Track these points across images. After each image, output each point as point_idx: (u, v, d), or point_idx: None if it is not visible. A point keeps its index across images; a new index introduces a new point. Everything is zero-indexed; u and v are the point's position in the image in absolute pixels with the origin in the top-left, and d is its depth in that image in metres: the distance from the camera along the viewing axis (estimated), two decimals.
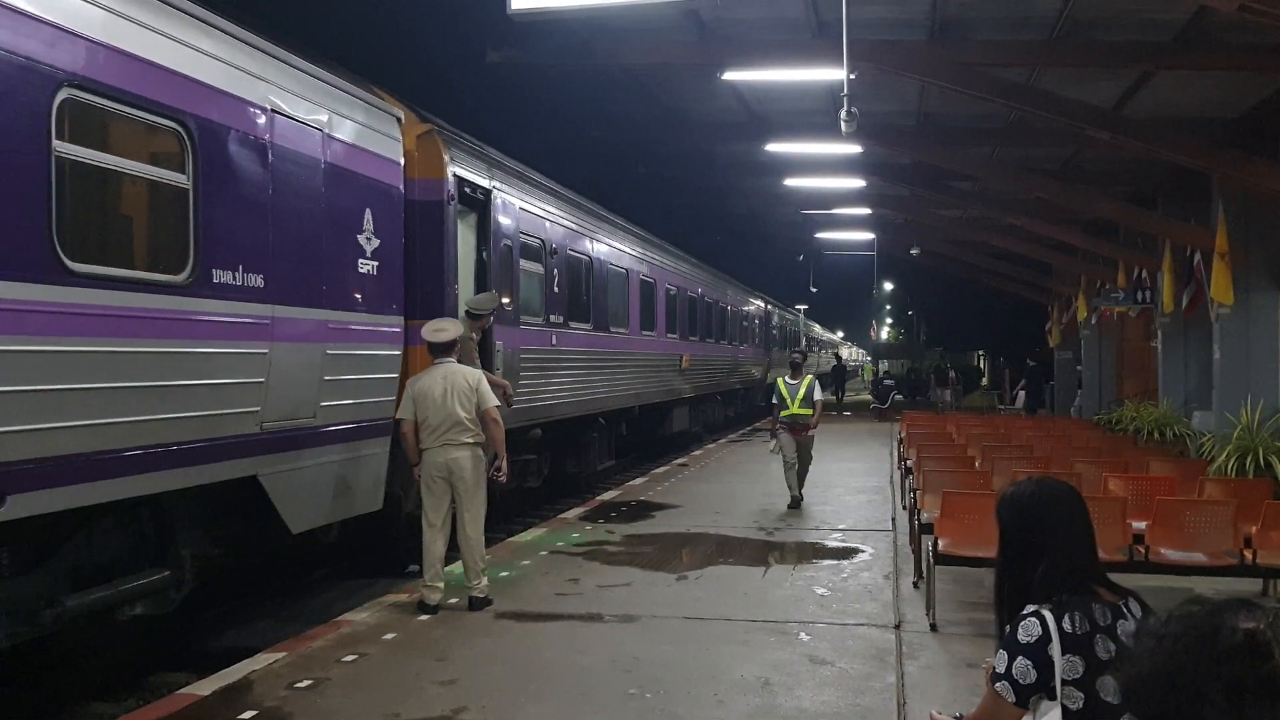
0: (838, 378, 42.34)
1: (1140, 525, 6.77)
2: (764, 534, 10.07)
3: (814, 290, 48.59)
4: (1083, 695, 2.41)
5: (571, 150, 25.72)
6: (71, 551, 5.59)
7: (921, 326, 68.17)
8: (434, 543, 7.11)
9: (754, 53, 11.40)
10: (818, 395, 12.06)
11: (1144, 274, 17.52)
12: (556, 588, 7.77)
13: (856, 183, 18.40)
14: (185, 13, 5.98)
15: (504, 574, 8.12)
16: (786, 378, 12.16)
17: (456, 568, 7.50)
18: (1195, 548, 6.68)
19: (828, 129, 13.20)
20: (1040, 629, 2.44)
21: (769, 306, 34.50)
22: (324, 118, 7.30)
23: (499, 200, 10.43)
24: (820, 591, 7.68)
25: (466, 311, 8.94)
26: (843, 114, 9.41)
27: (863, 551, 9.21)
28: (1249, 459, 10.41)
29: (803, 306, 51.29)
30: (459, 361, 7.94)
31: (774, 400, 12.15)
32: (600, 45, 11.07)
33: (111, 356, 5.30)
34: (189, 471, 5.92)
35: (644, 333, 17.33)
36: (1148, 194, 17.27)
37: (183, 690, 5.59)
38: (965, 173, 16.91)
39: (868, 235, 28.67)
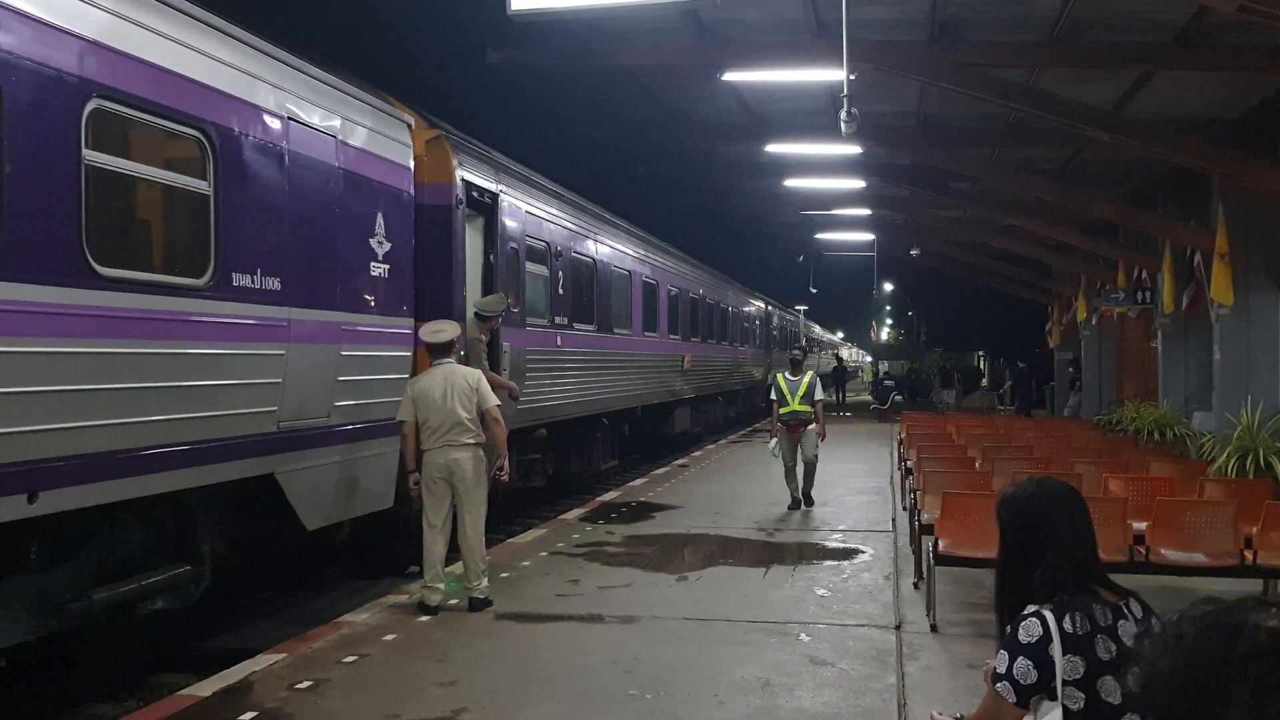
0: (839, 378, 42.34)
1: (1140, 526, 6.77)
2: (764, 535, 10.07)
3: (814, 291, 48.54)
4: (1083, 695, 2.41)
5: (571, 151, 25.69)
6: (97, 547, 5.74)
7: (921, 327, 68.15)
8: (434, 544, 7.11)
9: (754, 53, 11.40)
10: (819, 394, 11.77)
11: (1144, 274, 17.52)
12: (557, 589, 7.76)
13: (856, 183, 18.40)
14: (205, 23, 6.16)
15: (504, 575, 8.12)
16: (786, 374, 11.88)
17: (457, 568, 7.50)
18: (1195, 548, 6.68)
19: (827, 130, 13.20)
20: (1041, 629, 2.44)
21: (769, 307, 34.56)
22: (337, 124, 7.49)
23: (505, 204, 10.58)
24: (820, 592, 7.68)
25: (475, 313, 9.08)
26: (842, 115, 9.41)
27: (863, 552, 9.21)
28: (1249, 459, 10.40)
29: (802, 307, 51.30)
30: (469, 363, 8.07)
31: (773, 397, 11.85)
32: (600, 46, 11.07)
33: (137, 358, 5.49)
34: (210, 469, 6.12)
35: (646, 334, 17.46)
36: (1147, 194, 17.26)
37: (183, 691, 5.59)
38: (965, 173, 16.92)
39: (867, 236, 28.66)
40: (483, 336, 9.15)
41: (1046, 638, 2.43)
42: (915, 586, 7.73)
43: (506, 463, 7.59)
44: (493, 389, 9.64)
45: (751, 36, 11.15)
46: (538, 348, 11.65)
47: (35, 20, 4.87)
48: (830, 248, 34.25)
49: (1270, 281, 12.70)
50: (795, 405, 11.55)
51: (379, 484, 7.86)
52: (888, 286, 61.98)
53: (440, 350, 7.27)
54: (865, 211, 22.60)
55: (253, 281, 6.44)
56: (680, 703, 5.22)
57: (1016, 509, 2.67)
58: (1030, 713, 2.47)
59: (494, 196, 10.28)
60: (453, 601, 7.21)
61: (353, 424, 7.57)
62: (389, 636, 6.48)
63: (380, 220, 8.02)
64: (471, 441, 7.13)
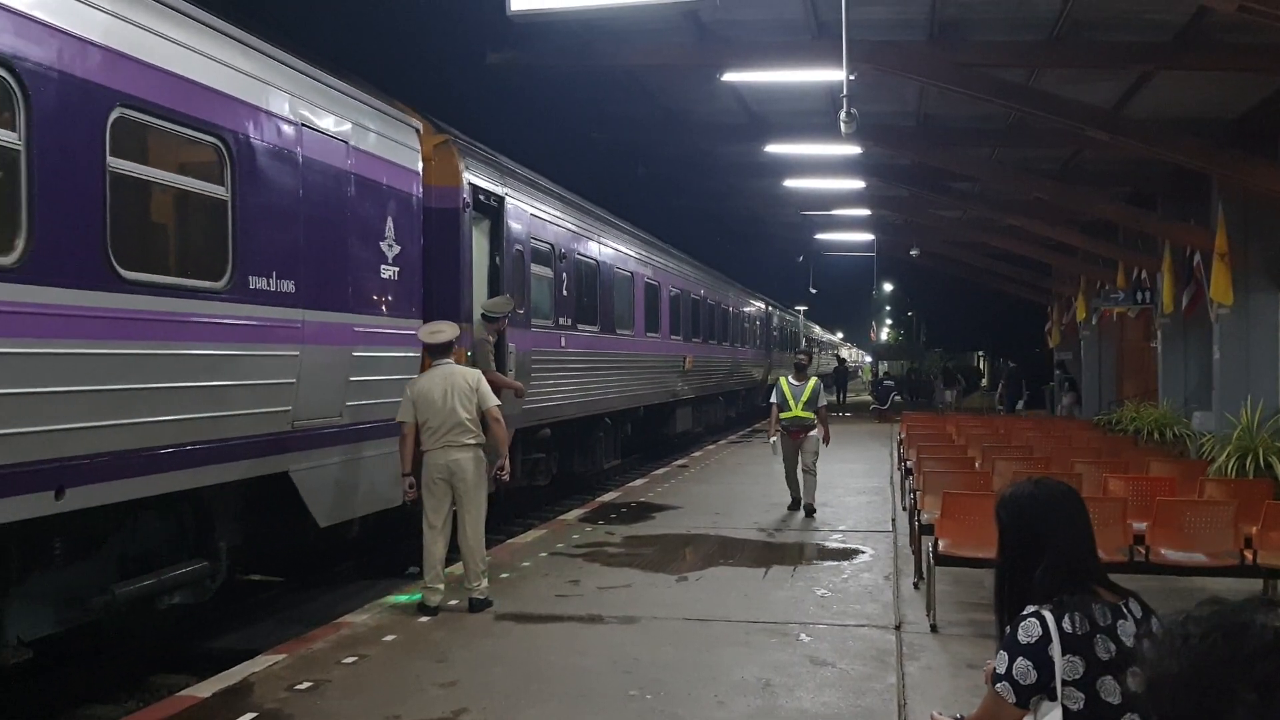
0: (840, 378, 42.31)
1: (1140, 526, 6.77)
2: (764, 535, 10.07)
3: (814, 291, 48.52)
4: (1083, 696, 2.40)
5: (571, 151, 25.69)
6: (118, 542, 5.88)
7: (921, 327, 68.15)
8: (434, 544, 7.11)
9: (754, 54, 11.41)
10: (823, 400, 11.45)
11: (1144, 274, 17.52)
12: (557, 589, 7.76)
13: (856, 184, 18.41)
14: (222, 32, 6.34)
15: (504, 575, 8.11)
16: (790, 378, 11.57)
17: (456, 569, 7.50)
18: (1195, 548, 6.68)
19: (827, 130, 13.20)
20: (1040, 629, 2.44)
21: (769, 308, 34.59)
22: (349, 130, 7.68)
23: (511, 206, 10.73)
24: (821, 592, 7.68)
25: (482, 314, 9.23)
26: (842, 115, 9.42)
27: (863, 552, 9.21)
28: (1249, 459, 10.40)
29: (802, 307, 51.29)
30: (477, 364, 8.24)
31: (773, 400, 11.49)
32: (600, 46, 11.07)
33: (159, 359, 5.67)
34: (228, 467, 6.31)
35: (648, 334, 17.59)
36: (1147, 194, 17.27)
37: (183, 692, 5.59)
38: (965, 173, 16.93)
39: (867, 236, 28.66)
40: (489, 337, 9.27)
41: (1046, 638, 2.43)
42: (915, 587, 7.73)
43: (507, 463, 7.59)
44: (499, 389, 9.77)
45: (751, 37, 11.15)
46: (542, 348, 11.77)
47: (64, 32, 5.05)
48: (830, 248, 34.26)
49: (1270, 281, 12.70)
50: (798, 411, 11.21)
51: (388, 483, 7.94)
52: (887, 287, 61.98)
53: (439, 351, 7.27)
54: (865, 212, 22.61)
55: (268, 284, 6.63)
56: (680, 703, 5.22)
57: (1015, 509, 2.67)
58: (1030, 713, 2.47)
59: (500, 199, 10.42)
60: (453, 602, 7.21)
61: (363, 423, 7.71)
62: (389, 637, 6.48)
63: (390, 223, 8.21)
64: (472, 442, 7.13)
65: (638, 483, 14.48)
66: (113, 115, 5.36)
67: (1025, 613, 2.49)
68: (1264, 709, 1.27)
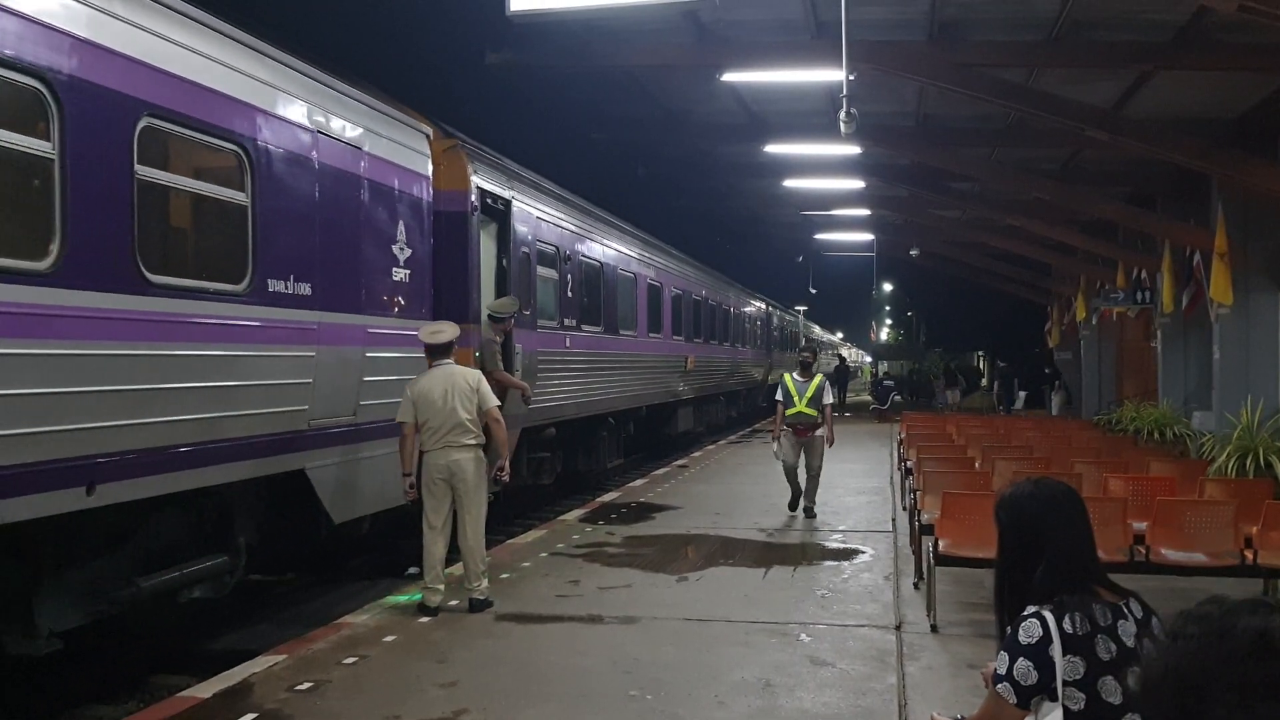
0: (841, 378, 42.32)
1: (1141, 526, 6.76)
2: (764, 535, 10.07)
3: (813, 291, 48.52)
4: (1084, 696, 2.40)
5: (571, 152, 25.71)
6: (143, 537, 6.04)
7: (921, 327, 68.16)
8: (434, 544, 7.11)
9: (753, 54, 11.40)
10: (828, 398, 11.13)
11: (1143, 274, 17.53)
12: (557, 589, 7.76)
13: (856, 184, 18.41)
14: (241, 42, 6.56)
15: (504, 576, 8.11)
16: (795, 374, 11.26)
17: (456, 569, 7.50)
18: (1196, 548, 6.67)
19: (827, 130, 13.21)
20: (1041, 630, 2.44)
21: (769, 308, 34.64)
22: (362, 136, 7.90)
23: (517, 209, 10.93)
24: (821, 593, 7.68)
25: (489, 315, 9.38)
26: (842, 115, 9.42)
27: (863, 552, 9.21)
28: (1249, 459, 10.40)
29: (802, 307, 51.28)
30: (484, 364, 8.41)
31: (778, 398, 11.14)
32: (599, 47, 11.07)
33: (183, 359, 5.87)
34: (249, 464, 6.51)
35: (651, 335, 17.75)
36: (1147, 194, 17.27)
37: (183, 693, 5.58)
38: (965, 173, 16.93)
39: (867, 236, 28.65)
40: (496, 338, 9.42)
41: (1046, 639, 2.43)
42: (915, 587, 7.73)
43: (507, 464, 7.60)
44: (505, 389, 9.88)
45: (751, 37, 11.15)
46: (548, 349, 11.95)
47: (93, 45, 5.23)
48: (830, 248, 34.24)
49: (1270, 281, 12.70)
50: (802, 407, 10.95)
51: (398, 481, 8.00)
52: (887, 287, 62.01)
53: (439, 351, 7.27)
54: (865, 212, 22.60)
55: (286, 287, 6.83)
56: (681, 703, 5.22)
57: (1015, 510, 2.67)
58: (1031, 713, 2.46)
59: (507, 203, 10.61)
60: (453, 602, 7.21)
61: (376, 423, 7.83)
62: (389, 637, 6.48)
63: (401, 227, 8.42)
64: (472, 443, 7.13)
65: (638, 483, 14.48)
66: (140, 124, 5.55)
67: (1026, 613, 2.49)
68: (1241, 710, 1.28)
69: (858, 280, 51.37)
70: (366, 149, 7.90)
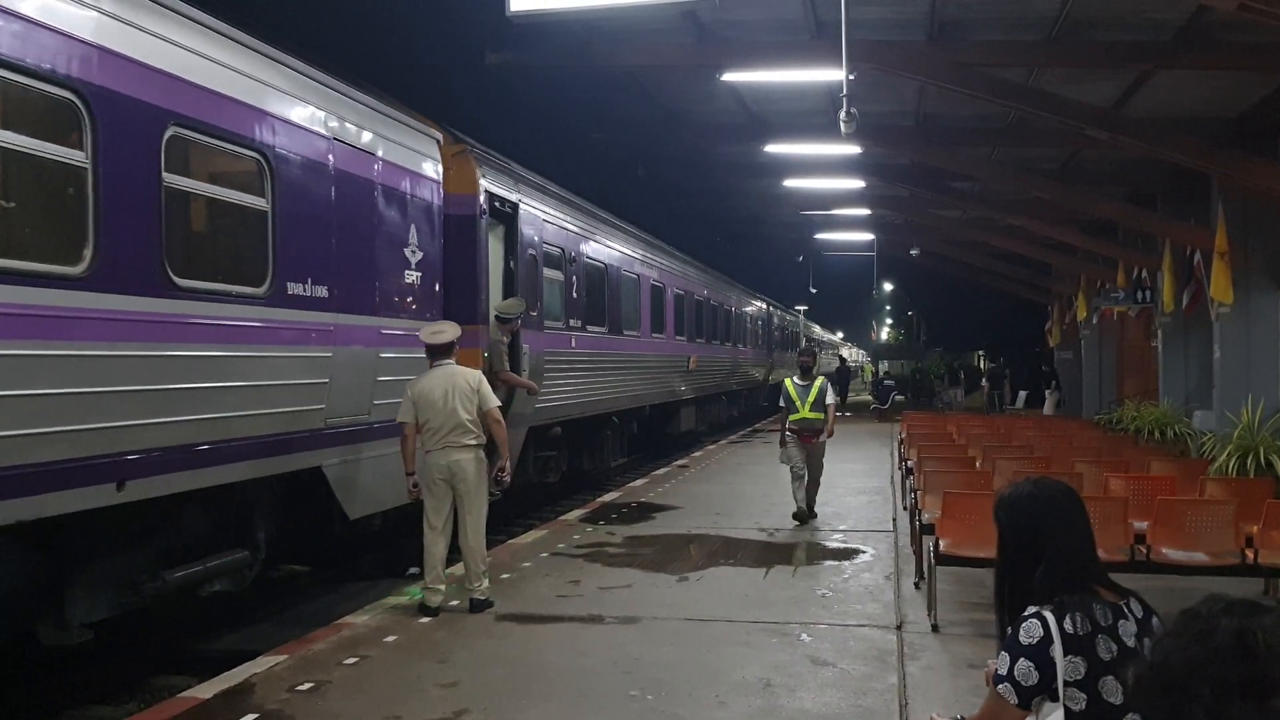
0: (842, 378, 42.30)
1: (1141, 525, 6.76)
2: (765, 535, 10.06)
3: (814, 291, 48.55)
4: (1085, 696, 2.40)
5: (571, 152, 25.72)
6: (168, 532, 6.24)
7: (921, 327, 68.20)
8: (435, 545, 7.11)
9: (753, 54, 11.40)
10: (830, 399, 10.95)
11: (1144, 274, 17.52)
12: (557, 589, 7.76)
13: (856, 183, 18.40)
14: (261, 53, 6.78)
15: (505, 576, 8.11)
16: (795, 379, 11.06)
17: (457, 569, 7.50)
18: (1196, 547, 6.67)
19: (827, 130, 13.20)
20: (1042, 630, 2.44)
21: (770, 308, 34.69)
22: (376, 143, 8.13)
23: (524, 212, 11.14)
24: (821, 592, 7.68)
25: (496, 316, 9.61)
26: (842, 115, 9.42)
27: (864, 552, 9.20)
28: (1250, 458, 10.39)
29: (803, 307, 51.28)
30: (492, 365, 8.60)
31: (781, 404, 11.05)
32: (599, 47, 11.07)
33: (208, 360, 6.09)
34: (270, 462, 6.73)
35: (654, 335, 17.94)
36: (1147, 194, 17.26)
37: (184, 693, 5.58)
38: (965, 173, 16.92)
39: (867, 236, 28.68)
40: (504, 339, 9.62)
41: (1047, 639, 2.42)
42: (916, 586, 7.73)
43: (508, 464, 7.60)
44: (513, 389, 10.01)
45: (751, 37, 11.15)
46: (554, 349, 12.12)
47: (123, 57, 5.46)
48: (830, 248, 34.28)
49: (1270, 280, 12.70)
50: (806, 412, 10.74)
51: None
52: (887, 286, 62.03)
53: (440, 351, 7.26)
54: (865, 211, 22.60)
55: (304, 290, 7.05)
56: (681, 703, 5.22)
57: (1014, 510, 2.67)
58: (1032, 714, 2.46)
59: (514, 206, 10.81)
60: (453, 603, 7.21)
61: (389, 421, 7.90)
62: (390, 638, 6.48)
63: (413, 230, 8.65)
64: (473, 443, 7.13)
65: (638, 483, 14.48)
66: (167, 134, 5.78)
67: (1026, 614, 2.49)
68: (1218, 709, 1.29)
69: (858, 280, 51.46)
70: (380, 154, 8.11)
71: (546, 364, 11.67)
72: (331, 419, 7.35)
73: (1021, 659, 2.44)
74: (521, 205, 11.03)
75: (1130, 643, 2.43)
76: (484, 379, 7.39)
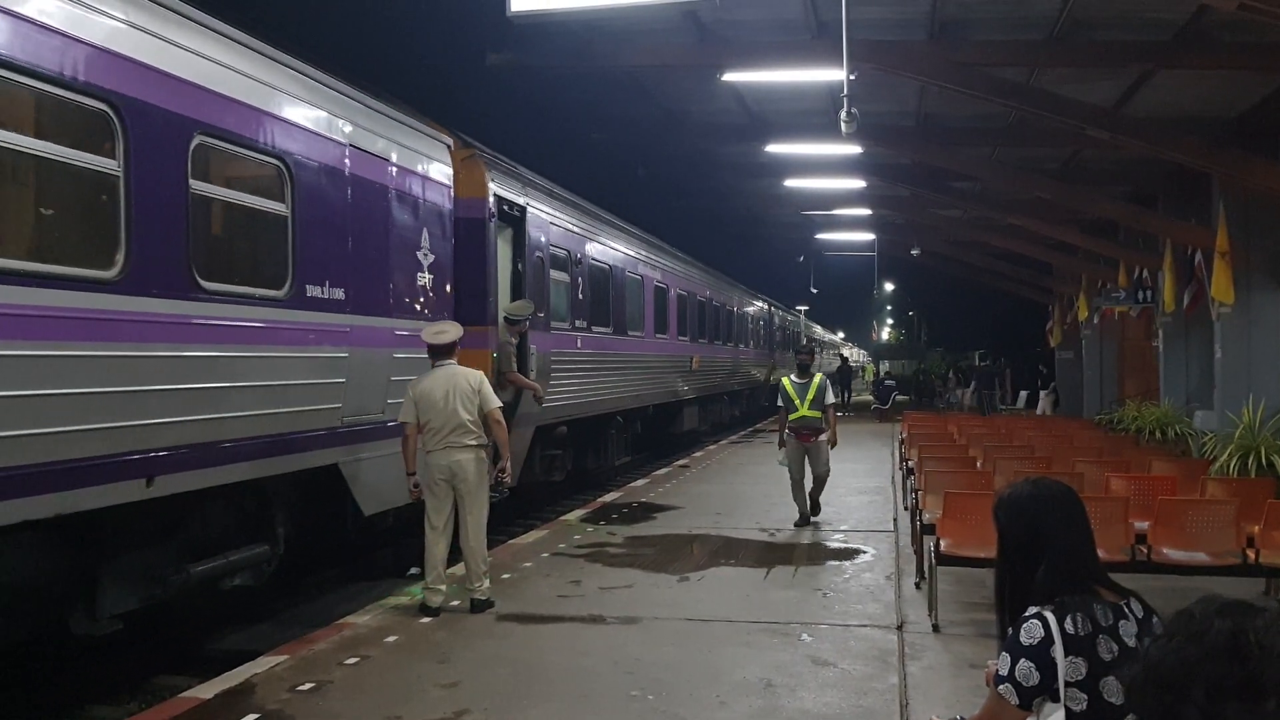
0: (844, 378, 42.26)
1: (1142, 525, 6.75)
2: (766, 535, 10.06)
3: (814, 291, 48.51)
4: (1086, 696, 2.40)
5: (571, 152, 25.72)
6: (192, 527, 6.42)
7: (922, 327, 68.19)
8: (436, 545, 7.11)
9: (754, 54, 11.40)
10: (830, 398, 10.75)
11: (1145, 273, 17.51)
12: (558, 589, 7.76)
13: (856, 183, 18.40)
14: (281, 63, 7.00)
15: (506, 576, 8.11)
16: (793, 377, 10.86)
17: (458, 569, 7.50)
18: (1197, 547, 6.66)
19: (827, 130, 13.20)
20: (1043, 631, 2.43)
21: (771, 308, 34.76)
22: (390, 149, 8.36)
23: (532, 215, 11.35)
24: (822, 593, 7.68)
25: (505, 317, 9.79)
26: (843, 115, 9.41)
27: (864, 552, 9.20)
28: (1251, 458, 10.40)
29: (803, 307, 51.28)
30: (501, 365, 8.77)
31: (779, 403, 10.88)
32: (600, 47, 11.08)
33: (232, 360, 6.29)
34: (290, 459, 6.94)
35: (658, 336, 18.11)
36: (1148, 193, 17.26)
37: (185, 694, 5.58)
38: (965, 173, 16.91)
39: (868, 236, 28.65)
40: (512, 339, 9.79)
41: (1048, 639, 2.42)
42: (917, 586, 7.73)
43: (509, 465, 7.61)
44: (520, 390, 10.09)
45: (751, 37, 11.15)
46: (560, 350, 12.31)
47: (155, 70, 5.68)
48: (831, 248, 34.25)
49: (1271, 280, 12.69)
50: (805, 410, 10.57)
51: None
52: (888, 286, 61.99)
53: (442, 351, 7.27)
54: (865, 211, 22.59)
55: (322, 292, 7.27)
56: (682, 703, 5.22)
57: (1014, 510, 2.66)
58: (1033, 714, 2.46)
59: (522, 209, 11.02)
60: (454, 603, 7.21)
61: None
62: (390, 638, 6.48)
63: (425, 234, 8.86)
64: (474, 443, 7.13)
65: (639, 483, 14.48)
66: (193, 142, 6.01)
67: (1027, 614, 2.48)
68: (1211, 709, 1.30)
69: (859, 280, 51.40)
70: (393, 159, 8.34)
71: (553, 364, 11.84)
72: (348, 417, 7.56)
73: (1022, 659, 2.44)
74: (529, 208, 11.22)
75: (1131, 643, 2.43)
76: (485, 379, 7.39)
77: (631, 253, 16.57)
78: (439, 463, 7.05)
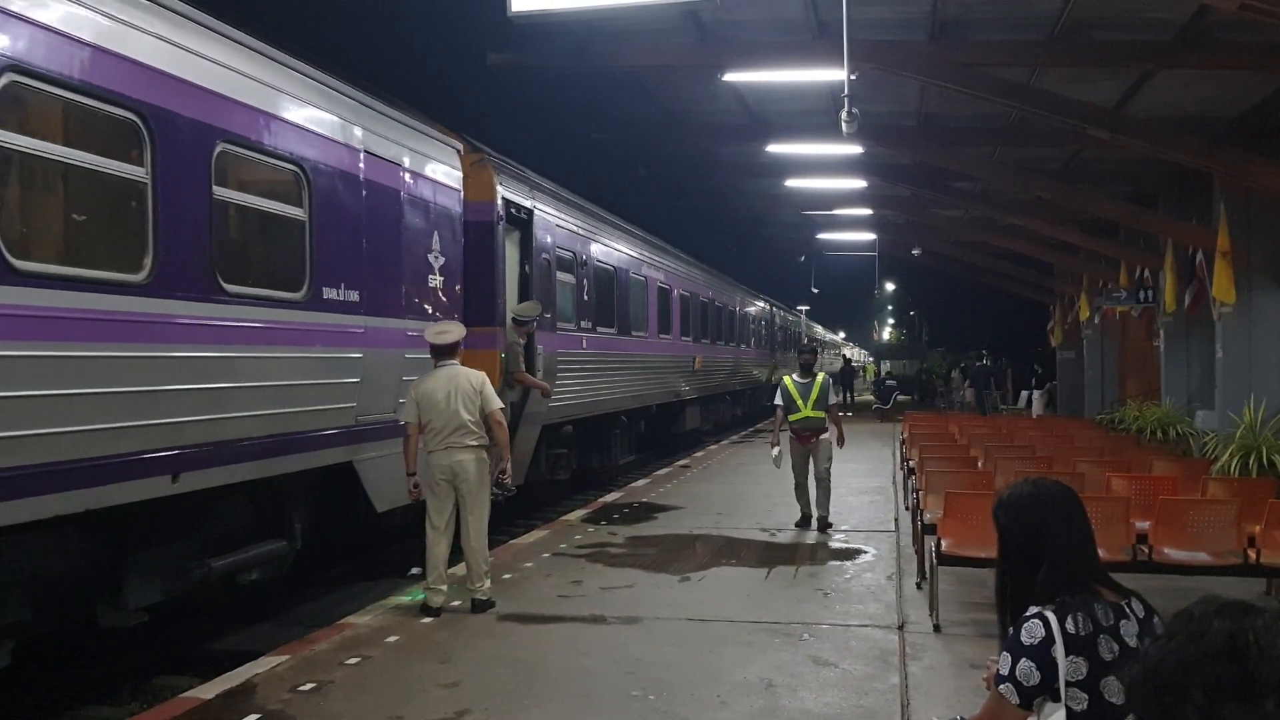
0: (846, 378, 42.20)
1: (1143, 525, 6.75)
2: (767, 535, 10.06)
3: (815, 291, 48.51)
4: (1086, 696, 2.40)
5: (571, 152, 25.73)
6: (212, 523, 6.56)
7: (923, 327, 68.18)
8: (437, 545, 7.11)
9: (754, 54, 11.40)
10: (833, 398, 10.62)
11: (1146, 273, 17.50)
12: (559, 590, 7.76)
13: (857, 183, 18.39)
14: (299, 71, 7.18)
15: (507, 576, 8.12)
16: (795, 376, 10.60)
17: (459, 570, 7.50)
18: (1199, 547, 6.66)
19: (828, 130, 13.19)
20: (1043, 631, 2.43)
21: (772, 308, 34.79)
22: (402, 154, 8.54)
23: (538, 218, 11.54)
24: (823, 593, 7.68)
25: (513, 319, 10.01)
26: (843, 115, 9.41)
27: (865, 552, 9.20)
28: (1252, 458, 10.39)
29: (804, 307, 51.27)
30: (509, 366, 8.94)
31: (778, 402, 10.54)
32: (600, 47, 11.08)
33: (251, 360, 6.45)
34: (307, 456, 7.12)
35: (661, 336, 18.24)
36: (1149, 193, 17.25)
37: (186, 694, 5.59)
38: (966, 173, 16.90)
39: (869, 236, 28.63)
40: (520, 340, 9.96)
41: (1049, 639, 2.42)
42: (918, 586, 7.73)
43: (509, 465, 7.61)
44: (527, 390, 10.16)
45: (752, 37, 11.14)
46: (566, 350, 12.49)
47: (180, 80, 5.88)
48: (831, 248, 34.22)
49: (1272, 279, 12.68)
50: (808, 411, 10.32)
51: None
52: (889, 286, 61.97)
53: (444, 351, 7.27)
54: (866, 211, 22.58)
55: (338, 294, 7.46)
56: (683, 703, 5.22)
57: (1014, 511, 2.66)
58: (1033, 714, 2.46)
59: (529, 212, 11.19)
60: (455, 603, 7.21)
61: None
62: (391, 638, 6.48)
63: (435, 237, 9.06)
64: (475, 444, 7.13)
65: (640, 483, 14.49)
66: (216, 150, 6.19)
67: (1028, 614, 2.48)
68: (1209, 709, 1.30)
69: (860, 280, 51.34)
70: (405, 164, 8.53)
71: (559, 364, 12.01)
72: (362, 416, 7.72)
73: (1023, 659, 2.44)
74: (536, 211, 11.39)
75: (1132, 643, 2.43)
76: (487, 380, 7.39)
77: (635, 254, 16.70)
78: (440, 463, 7.06)
